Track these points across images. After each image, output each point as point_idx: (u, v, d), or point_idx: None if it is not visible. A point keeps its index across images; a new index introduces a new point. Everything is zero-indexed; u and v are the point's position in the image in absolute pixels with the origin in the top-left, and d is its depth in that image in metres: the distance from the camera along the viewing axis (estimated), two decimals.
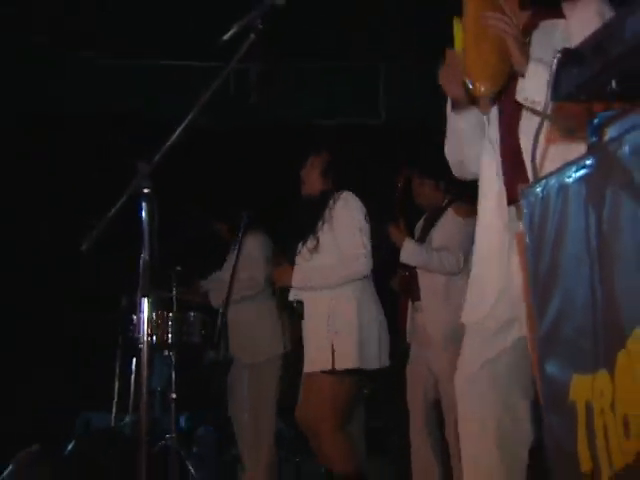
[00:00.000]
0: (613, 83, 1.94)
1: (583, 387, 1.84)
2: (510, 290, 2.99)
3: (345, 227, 4.78)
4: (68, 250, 2.72)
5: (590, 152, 1.88)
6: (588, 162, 1.84)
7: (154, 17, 6.22)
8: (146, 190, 2.66)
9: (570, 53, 2.02)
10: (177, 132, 2.88)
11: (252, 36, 2.95)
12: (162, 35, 6.43)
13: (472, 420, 3.09)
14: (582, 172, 1.85)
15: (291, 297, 4.93)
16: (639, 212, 1.64)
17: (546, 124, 2.40)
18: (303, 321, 4.85)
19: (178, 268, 6.19)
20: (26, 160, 7.45)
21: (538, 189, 2.01)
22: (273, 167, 7.37)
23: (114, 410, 6.74)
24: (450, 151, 3.30)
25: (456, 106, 3.14)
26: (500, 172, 3.05)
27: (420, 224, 6.03)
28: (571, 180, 1.88)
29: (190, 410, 7.51)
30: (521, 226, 2.60)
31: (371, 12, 6.00)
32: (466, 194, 5.18)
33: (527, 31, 2.98)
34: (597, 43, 1.93)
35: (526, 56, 2.76)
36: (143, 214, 2.66)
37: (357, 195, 4.89)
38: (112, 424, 6.58)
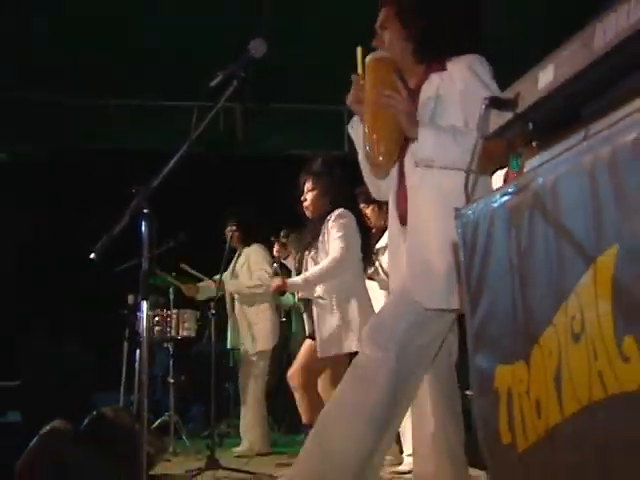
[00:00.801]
0: (530, 125, 1.96)
1: (505, 376, 1.85)
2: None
3: (332, 238, 4.80)
4: (87, 259, 2.69)
5: (511, 182, 1.89)
6: (510, 190, 1.85)
7: (158, 65, 6.19)
8: (145, 210, 2.65)
9: (496, 100, 2.04)
10: (173, 160, 2.87)
11: (235, 83, 2.93)
12: (163, 79, 6.42)
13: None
14: (505, 198, 1.86)
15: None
16: (550, 233, 1.66)
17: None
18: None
19: (183, 265, 6.19)
20: (50, 188, 7.43)
21: (470, 212, 2.02)
22: (256, 189, 7.36)
23: (122, 391, 6.72)
24: (363, 170, 3.20)
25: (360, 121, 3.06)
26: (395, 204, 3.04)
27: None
28: (496, 205, 1.90)
29: (185, 392, 7.49)
30: None
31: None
32: None
33: (422, 82, 2.95)
34: (517, 93, 1.95)
35: (415, 125, 2.74)
36: (143, 231, 2.66)
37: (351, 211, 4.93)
38: (120, 403, 6.55)
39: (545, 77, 1.82)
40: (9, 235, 7.19)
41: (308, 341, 5.07)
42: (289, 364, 5.54)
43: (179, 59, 6.07)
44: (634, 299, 1.41)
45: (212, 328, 5.68)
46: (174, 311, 6.08)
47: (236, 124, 6.98)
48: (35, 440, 4.12)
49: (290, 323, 8.08)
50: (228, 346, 6.43)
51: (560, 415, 1.65)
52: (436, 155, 2.71)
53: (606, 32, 1.63)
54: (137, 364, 6.13)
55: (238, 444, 6.36)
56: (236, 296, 6.37)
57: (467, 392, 3.94)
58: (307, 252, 5.05)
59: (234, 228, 6.27)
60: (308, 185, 5.06)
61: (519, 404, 1.79)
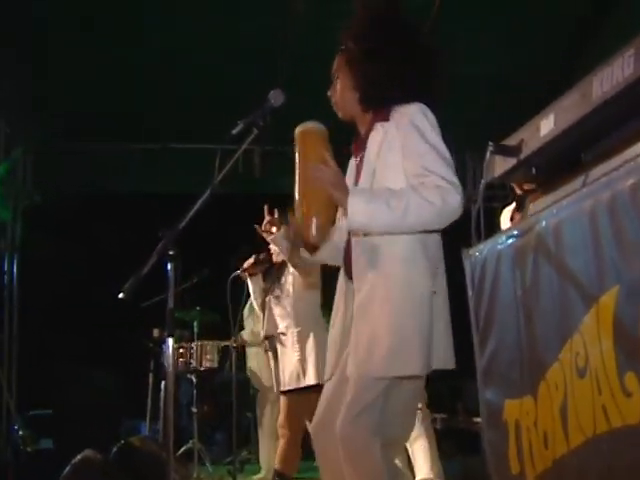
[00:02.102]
0: (533, 170, 1.97)
1: (513, 409, 1.85)
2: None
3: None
4: (116, 296, 2.69)
5: (517, 225, 1.90)
6: (515, 232, 1.86)
7: (184, 112, 6.26)
8: (171, 252, 2.66)
9: (501, 147, 2.05)
10: (198, 203, 2.87)
11: (255, 130, 2.94)
12: (188, 126, 6.48)
13: None
14: (511, 240, 1.87)
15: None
16: (553, 273, 1.66)
17: None
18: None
19: (198, 307, 6.19)
20: (81, 229, 7.49)
21: (477, 253, 2.03)
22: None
23: (148, 420, 6.71)
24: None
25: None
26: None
27: None
28: (502, 246, 1.90)
29: (208, 420, 7.46)
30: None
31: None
32: None
33: (369, 130, 2.65)
34: (520, 140, 1.96)
35: (345, 194, 2.45)
36: (169, 271, 2.67)
37: None
38: (146, 431, 6.54)
39: (547, 125, 1.84)
40: (42, 272, 7.24)
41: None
42: None
43: (202, 104, 6.12)
44: (634, 337, 1.41)
45: (233, 359, 5.66)
46: (197, 343, 6.08)
47: (254, 165, 7.02)
48: (67, 470, 4.11)
49: None
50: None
51: (566, 446, 1.64)
52: (369, 223, 2.42)
53: (603, 83, 1.65)
54: (162, 394, 6.13)
55: (259, 470, 6.32)
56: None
57: (476, 419, 3.92)
58: (269, 295, 5.00)
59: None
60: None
61: (527, 436, 1.79)
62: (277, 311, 4.88)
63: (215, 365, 6.13)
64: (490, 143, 2.08)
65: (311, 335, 4.68)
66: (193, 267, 5.71)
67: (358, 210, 2.39)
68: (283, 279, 4.85)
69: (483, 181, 2.07)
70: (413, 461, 4.90)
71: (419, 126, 2.45)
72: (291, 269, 4.76)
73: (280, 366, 4.80)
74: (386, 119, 2.55)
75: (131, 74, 5.70)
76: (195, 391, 6.09)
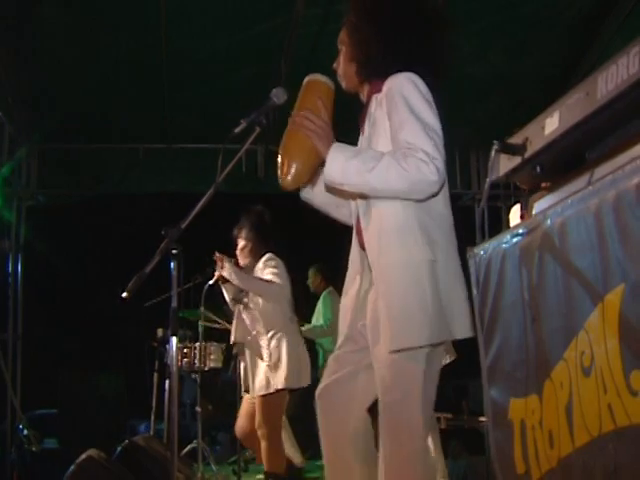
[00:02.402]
0: (538, 168, 1.96)
1: (518, 408, 1.84)
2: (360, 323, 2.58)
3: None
4: (120, 295, 2.70)
5: (522, 223, 1.89)
6: (521, 231, 1.85)
7: (185, 111, 6.26)
8: (174, 251, 2.65)
9: (506, 145, 2.05)
10: (201, 203, 2.86)
11: (257, 129, 2.94)
12: (190, 125, 6.48)
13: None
14: (516, 239, 1.86)
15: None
16: (559, 272, 1.65)
17: None
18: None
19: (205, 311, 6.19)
20: (85, 229, 7.50)
21: (482, 252, 2.02)
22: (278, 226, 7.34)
23: (152, 419, 6.71)
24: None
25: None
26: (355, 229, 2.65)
27: None
28: (508, 245, 1.90)
29: (211, 419, 7.47)
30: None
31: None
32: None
33: (369, 101, 2.62)
34: (525, 138, 1.96)
35: (327, 147, 2.46)
36: (172, 271, 2.67)
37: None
38: (151, 430, 6.54)
39: (551, 123, 1.83)
40: (46, 271, 7.26)
41: (247, 396, 5.01)
42: (312, 390, 5.47)
43: (205, 103, 6.12)
44: None
45: (238, 359, 5.67)
46: (201, 343, 6.08)
47: (258, 165, 7.02)
48: (71, 468, 4.11)
49: (316, 353, 8.04)
50: None
51: (571, 446, 1.64)
52: (342, 179, 2.42)
53: (608, 82, 1.64)
54: (167, 394, 6.13)
55: (262, 470, 6.32)
56: None
57: (481, 418, 3.92)
58: (237, 304, 5.01)
59: None
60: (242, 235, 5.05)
61: (532, 435, 1.78)
62: (246, 318, 4.91)
63: (219, 365, 6.13)
64: (495, 142, 2.07)
65: (282, 341, 4.71)
66: (197, 267, 5.70)
67: (336, 165, 2.39)
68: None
69: (488, 180, 2.06)
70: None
71: (406, 96, 2.40)
72: (262, 268, 4.81)
73: (250, 373, 4.85)
74: (380, 90, 2.51)
75: (135, 74, 5.71)
76: (199, 391, 6.09)
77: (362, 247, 2.56)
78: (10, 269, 6.80)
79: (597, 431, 1.53)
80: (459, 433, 5.45)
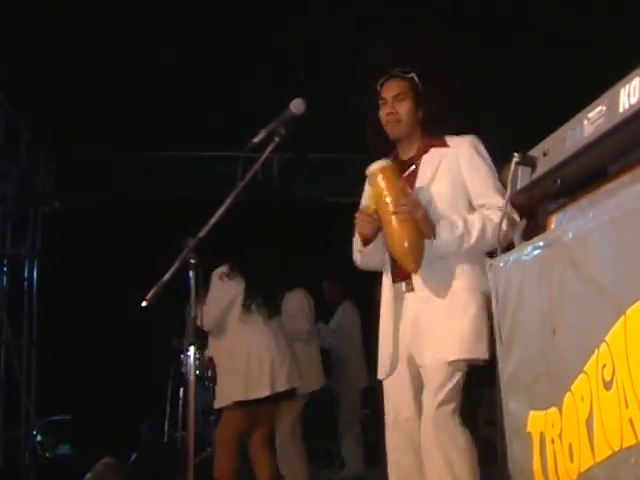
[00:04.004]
0: (558, 181, 1.96)
1: (538, 421, 1.84)
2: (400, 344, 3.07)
3: None
4: (135, 302, 2.72)
5: (542, 237, 1.89)
6: (540, 244, 1.85)
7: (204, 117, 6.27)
8: (192, 261, 2.68)
9: (526, 157, 2.05)
10: (219, 212, 2.89)
11: (276, 139, 2.97)
12: (210, 133, 6.49)
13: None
14: (536, 252, 1.86)
15: None
16: (580, 285, 1.65)
17: None
18: None
19: None
20: (99, 235, 7.53)
21: (501, 264, 2.02)
22: (294, 233, 7.35)
23: (166, 427, 6.73)
24: (359, 263, 3.30)
25: (365, 243, 3.14)
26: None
27: None
28: (528, 257, 1.90)
29: None
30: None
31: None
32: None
33: (419, 154, 3.10)
34: (545, 151, 1.96)
35: (432, 227, 2.90)
36: (190, 280, 2.69)
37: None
38: (165, 439, 6.56)
39: (573, 136, 1.83)
40: (62, 278, 7.28)
41: None
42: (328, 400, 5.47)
43: (224, 111, 6.14)
44: None
45: None
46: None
47: (274, 173, 7.03)
48: (87, 477, 4.13)
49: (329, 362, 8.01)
50: None
51: (592, 459, 1.63)
52: (456, 249, 2.93)
53: (630, 95, 1.64)
54: (181, 401, 6.15)
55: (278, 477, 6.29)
56: None
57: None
58: None
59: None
60: None
61: (552, 448, 1.78)
62: None
63: None
64: (515, 154, 2.07)
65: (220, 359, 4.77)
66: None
67: (446, 240, 2.89)
68: None
69: (508, 193, 2.06)
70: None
71: (482, 153, 3.03)
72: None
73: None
74: (444, 145, 3.04)
75: (153, 82, 5.74)
76: (214, 399, 6.10)
77: (400, 279, 3.05)
78: (26, 275, 6.84)
79: (618, 445, 1.53)
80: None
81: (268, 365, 4.65)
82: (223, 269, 4.73)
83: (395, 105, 3.07)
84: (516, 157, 2.03)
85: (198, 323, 4.73)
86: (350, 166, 6.78)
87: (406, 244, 2.88)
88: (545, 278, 1.80)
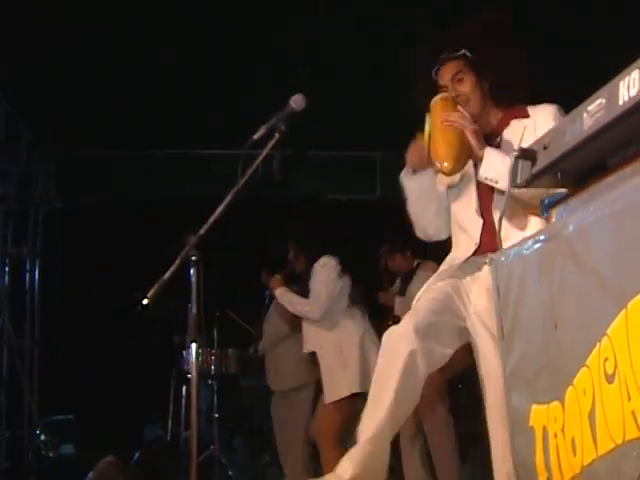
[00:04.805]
0: (558, 175, 1.96)
1: (540, 415, 1.84)
2: None
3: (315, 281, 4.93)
4: (136, 300, 2.72)
5: (543, 230, 1.89)
6: (541, 237, 1.85)
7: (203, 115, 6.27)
8: (193, 258, 2.68)
9: (525, 151, 2.05)
10: (220, 209, 2.89)
11: (277, 135, 2.97)
12: (210, 131, 6.49)
13: None
14: (537, 245, 1.86)
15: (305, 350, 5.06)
16: (581, 278, 1.65)
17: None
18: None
19: (218, 314, 6.20)
20: (100, 234, 7.53)
21: (503, 258, 2.02)
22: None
23: (169, 426, 6.72)
24: (412, 214, 3.19)
25: (412, 172, 3.08)
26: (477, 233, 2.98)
27: (397, 285, 5.99)
28: (529, 251, 1.90)
29: (228, 425, 7.46)
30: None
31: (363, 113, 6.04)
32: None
33: (501, 127, 2.99)
34: (545, 144, 1.96)
35: (481, 143, 2.80)
36: (192, 277, 2.69)
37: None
38: (167, 438, 6.56)
39: (572, 129, 1.82)
40: (64, 277, 7.28)
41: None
42: None
43: (224, 111, 6.14)
44: None
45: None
46: (218, 349, 6.08)
47: (274, 170, 7.03)
48: (89, 476, 4.13)
49: None
50: None
51: (595, 453, 1.63)
52: (500, 177, 2.66)
53: (630, 87, 1.63)
54: (184, 400, 6.15)
55: (281, 475, 6.27)
56: None
57: None
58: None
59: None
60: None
61: (554, 442, 1.77)
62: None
63: (237, 371, 6.13)
64: (515, 148, 2.07)
65: (327, 352, 4.85)
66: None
67: (494, 162, 2.71)
68: None
69: (508, 187, 2.06)
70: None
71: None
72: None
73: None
74: (526, 116, 2.92)
75: (153, 82, 5.74)
76: (216, 397, 6.09)
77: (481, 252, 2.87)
78: (28, 274, 6.84)
79: (621, 438, 1.53)
80: (476, 439, 5.43)
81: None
82: (327, 261, 4.93)
83: (457, 87, 2.99)
84: (516, 151, 2.02)
85: (306, 314, 4.85)
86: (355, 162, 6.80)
87: (445, 141, 2.82)
88: (546, 272, 1.80)
